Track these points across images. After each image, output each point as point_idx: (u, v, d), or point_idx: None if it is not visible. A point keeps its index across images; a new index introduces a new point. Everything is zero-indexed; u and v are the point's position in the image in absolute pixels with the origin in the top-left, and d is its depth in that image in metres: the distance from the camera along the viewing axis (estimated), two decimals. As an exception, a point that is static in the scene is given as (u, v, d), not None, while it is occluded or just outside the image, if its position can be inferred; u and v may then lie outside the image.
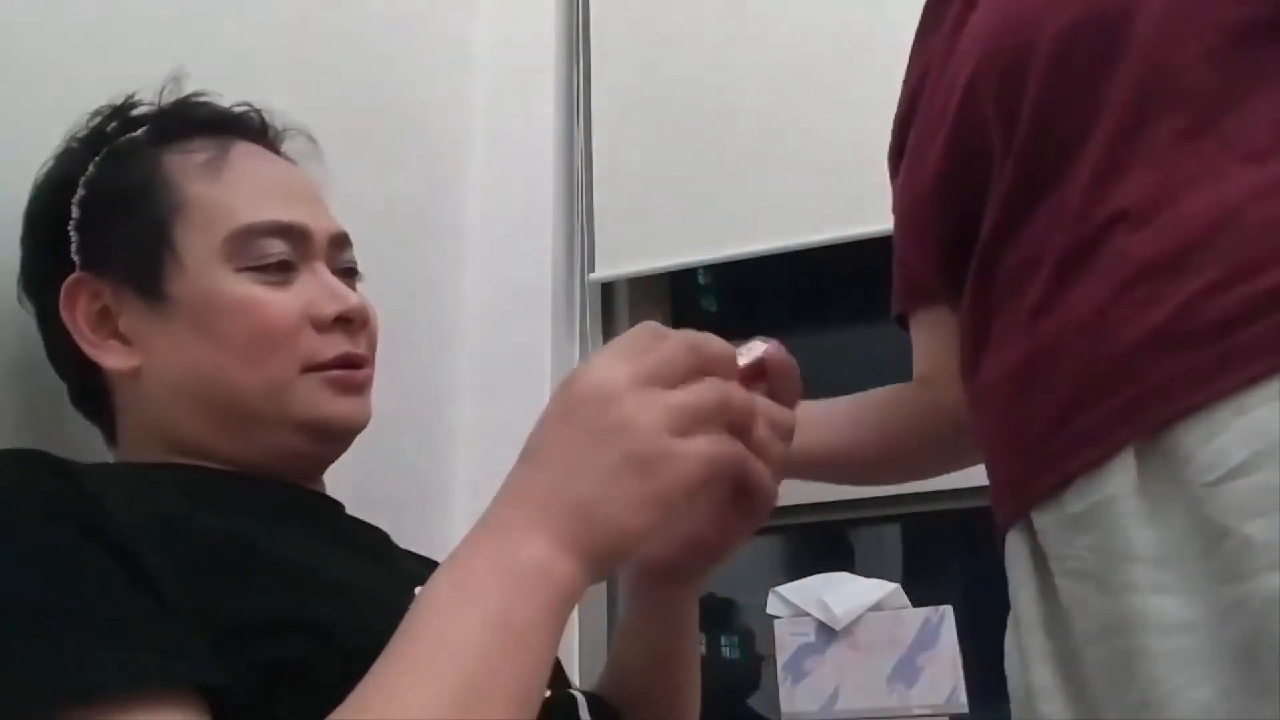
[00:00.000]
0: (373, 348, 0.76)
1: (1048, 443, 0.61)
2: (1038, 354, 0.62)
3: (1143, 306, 0.56)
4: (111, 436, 0.72)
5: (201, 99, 0.75)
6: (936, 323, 0.85)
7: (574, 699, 0.65)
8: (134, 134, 0.72)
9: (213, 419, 0.67)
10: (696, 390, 0.49)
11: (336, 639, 0.51)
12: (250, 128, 0.75)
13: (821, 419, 0.86)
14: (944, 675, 1.12)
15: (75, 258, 0.68)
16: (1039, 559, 0.63)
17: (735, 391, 0.51)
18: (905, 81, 0.86)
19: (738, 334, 0.57)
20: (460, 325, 1.51)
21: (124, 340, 0.68)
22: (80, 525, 0.47)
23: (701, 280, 1.89)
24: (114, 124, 0.73)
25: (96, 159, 0.71)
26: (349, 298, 0.71)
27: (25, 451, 0.52)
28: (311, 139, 0.80)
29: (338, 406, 0.69)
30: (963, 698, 1.11)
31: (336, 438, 0.71)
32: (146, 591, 0.47)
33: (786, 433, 0.57)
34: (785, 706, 1.16)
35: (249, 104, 0.76)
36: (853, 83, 1.49)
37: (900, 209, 0.82)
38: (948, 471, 0.91)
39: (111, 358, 0.67)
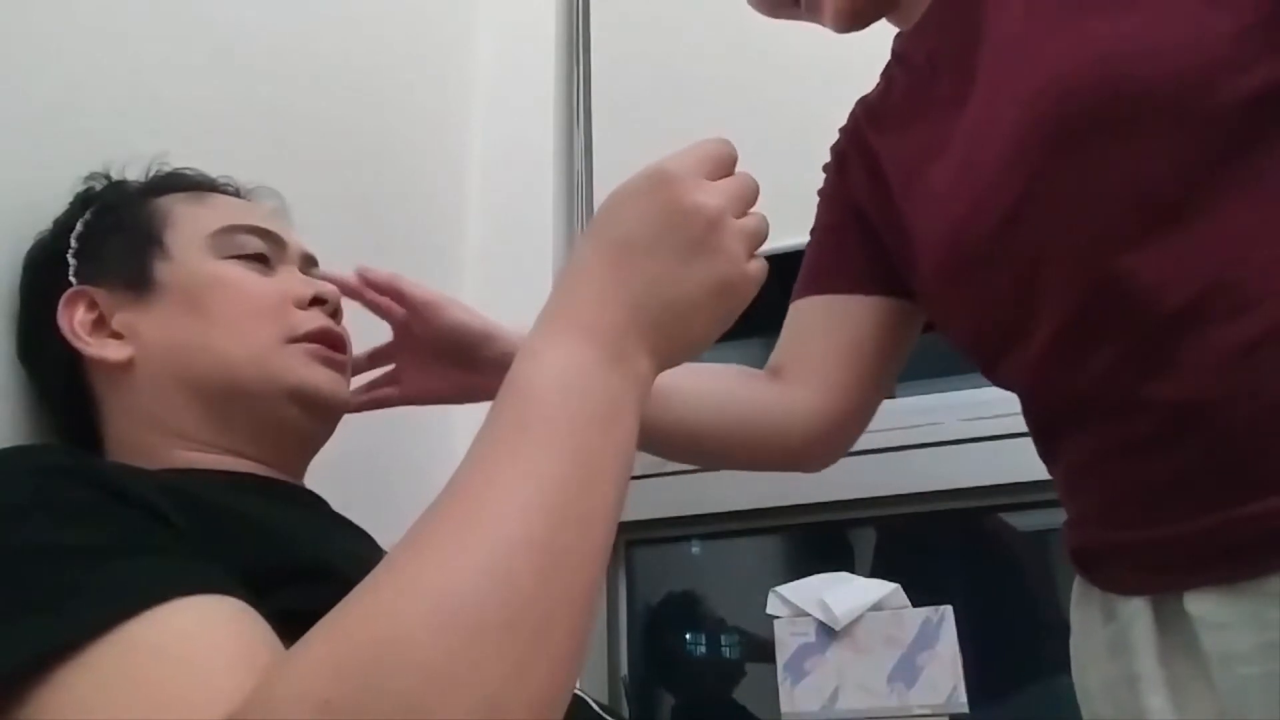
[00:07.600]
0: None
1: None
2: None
3: None
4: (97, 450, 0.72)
5: (185, 170, 0.81)
6: (828, 312, 0.88)
7: (585, 701, 0.66)
8: (125, 191, 0.77)
9: (202, 399, 0.69)
10: (758, 219, 0.54)
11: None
12: (226, 189, 0.81)
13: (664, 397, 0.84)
14: (944, 675, 1.12)
15: (72, 280, 0.71)
16: None
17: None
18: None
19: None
20: (460, 325, 1.51)
21: (116, 336, 0.70)
22: (103, 487, 0.49)
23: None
24: (106, 186, 0.78)
25: (93, 208, 0.75)
26: (324, 285, 0.76)
27: (39, 445, 0.53)
28: (281, 198, 0.86)
29: (321, 375, 0.73)
30: (963, 698, 1.11)
31: (323, 408, 0.73)
32: (176, 538, 0.49)
33: None
34: (785, 706, 1.16)
35: (229, 178, 0.83)
36: (854, 83, 1.49)
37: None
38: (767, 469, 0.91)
39: (108, 351, 0.70)
